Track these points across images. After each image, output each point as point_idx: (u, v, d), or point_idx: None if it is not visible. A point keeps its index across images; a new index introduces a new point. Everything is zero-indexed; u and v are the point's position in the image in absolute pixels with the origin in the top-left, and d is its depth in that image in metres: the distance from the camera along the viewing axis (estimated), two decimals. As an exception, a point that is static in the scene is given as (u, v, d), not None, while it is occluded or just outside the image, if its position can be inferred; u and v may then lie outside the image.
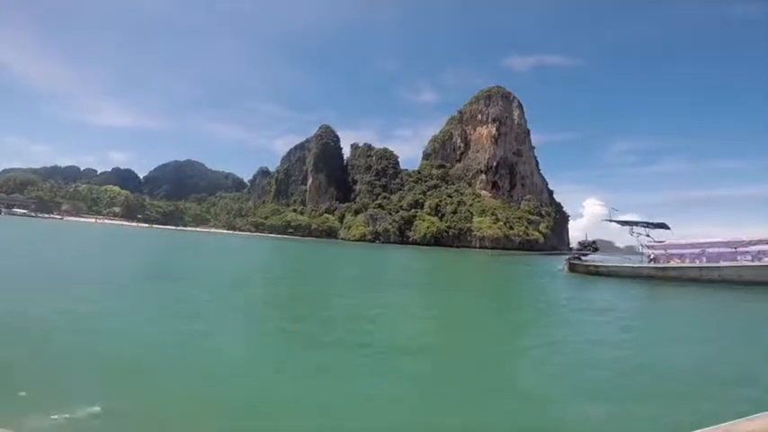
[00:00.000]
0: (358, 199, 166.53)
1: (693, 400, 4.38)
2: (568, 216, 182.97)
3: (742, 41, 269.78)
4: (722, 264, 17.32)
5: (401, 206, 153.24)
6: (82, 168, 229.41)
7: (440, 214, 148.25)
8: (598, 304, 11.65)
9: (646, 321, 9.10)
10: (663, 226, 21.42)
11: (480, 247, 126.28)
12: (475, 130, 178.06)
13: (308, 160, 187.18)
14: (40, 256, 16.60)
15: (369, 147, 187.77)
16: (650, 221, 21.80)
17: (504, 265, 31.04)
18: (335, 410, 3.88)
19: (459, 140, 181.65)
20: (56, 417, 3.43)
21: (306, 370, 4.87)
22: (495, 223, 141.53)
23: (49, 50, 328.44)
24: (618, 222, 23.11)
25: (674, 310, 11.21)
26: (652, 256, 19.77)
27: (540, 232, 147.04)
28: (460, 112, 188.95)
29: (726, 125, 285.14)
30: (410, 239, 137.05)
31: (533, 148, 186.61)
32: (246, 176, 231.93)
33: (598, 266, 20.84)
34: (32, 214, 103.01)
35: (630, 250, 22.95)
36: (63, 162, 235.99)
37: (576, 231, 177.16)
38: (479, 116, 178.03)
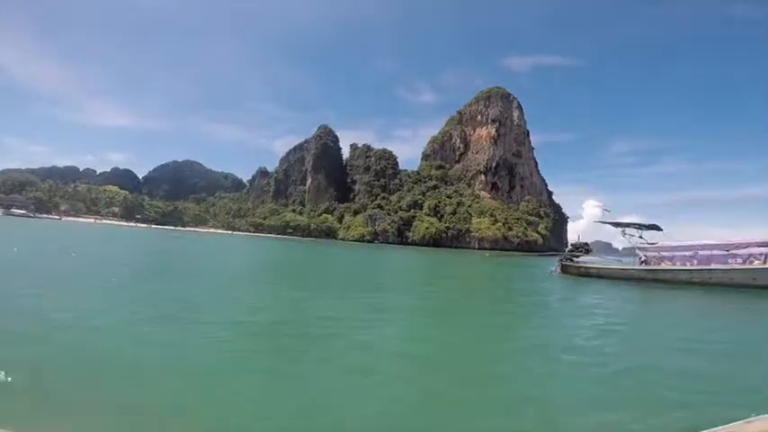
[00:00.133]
0: (357, 199, 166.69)
1: (679, 404, 4.34)
2: (568, 217, 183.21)
3: (742, 42, 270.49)
4: (713, 266, 17.20)
5: (400, 207, 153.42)
6: (81, 169, 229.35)
7: (439, 215, 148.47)
8: (585, 307, 11.67)
9: (632, 326, 9.11)
10: (655, 227, 21.36)
11: (479, 248, 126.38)
12: (474, 130, 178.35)
13: (308, 161, 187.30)
14: (38, 256, 16.66)
15: (368, 147, 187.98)
16: (642, 223, 21.73)
17: (498, 267, 31.07)
18: (323, 413, 3.89)
19: (458, 141, 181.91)
20: (57, 416, 3.46)
21: (285, 378, 4.88)
22: (494, 224, 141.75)
23: (48, 51, 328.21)
24: (610, 224, 23.14)
25: (660, 314, 11.20)
26: (643, 258, 19.63)
27: (539, 233, 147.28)
28: (460, 113, 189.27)
29: (726, 126, 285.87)
30: (409, 240, 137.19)
31: (533, 148, 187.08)
32: (246, 177, 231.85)
33: (589, 268, 20.78)
34: (31, 215, 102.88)
35: (630, 252, 22.92)
36: (62, 162, 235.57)
37: (576, 233, 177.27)
38: (479, 117, 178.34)
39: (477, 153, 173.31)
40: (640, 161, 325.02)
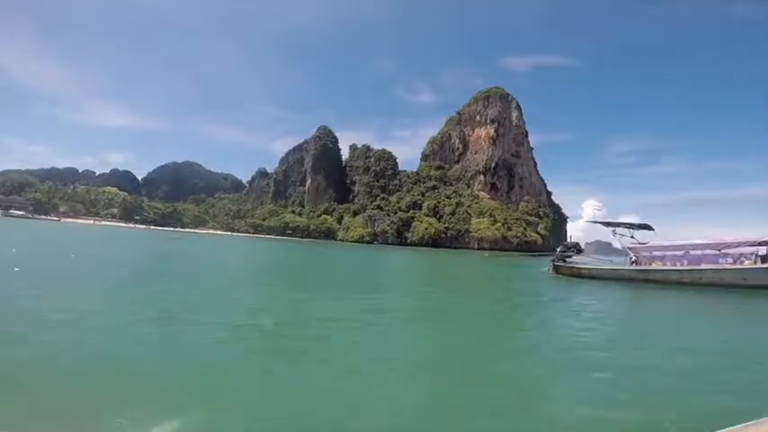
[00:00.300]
0: (356, 200, 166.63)
1: (675, 406, 4.33)
2: (567, 217, 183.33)
3: (741, 41, 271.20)
4: (704, 266, 17.04)
5: (399, 207, 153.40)
6: (80, 170, 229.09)
7: (438, 215, 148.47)
8: (575, 309, 11.67)
9: (621, 327, 9.08)
10: (646, 227, 21.28)
11: (479, 249, 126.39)
12: (473, 131, 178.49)
13: (307, 161, 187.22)
14: (35, 257, 16.65)
15: (367, 148, 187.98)
16: (633, 222, 21.64)
17: (494, 267, 31.06)
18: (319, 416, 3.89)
19: (457, 141, 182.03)
20: (53, 418, 3.44)
21: (286, 381, 4.88)
22: (493, 224, 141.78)
23: (48, 51, 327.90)
24: (602, 224, 23.11)
25: (649, 316, 11.18)
26: (634, 258, 19.46)
27: (538, 233, 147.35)
28: (459, 113, 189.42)
29: (725, 125, 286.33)
30: (408, 241, 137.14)
31: (532, 149, 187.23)
32: (245, 178, 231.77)
33: (581, 268, 20.68)
34: (30, 216, 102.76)
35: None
36: (61, 163, 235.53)
37: (575, 232, 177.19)
38: (478, 117, 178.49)
39: (476, 153, 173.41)
40: (640, 161, 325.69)
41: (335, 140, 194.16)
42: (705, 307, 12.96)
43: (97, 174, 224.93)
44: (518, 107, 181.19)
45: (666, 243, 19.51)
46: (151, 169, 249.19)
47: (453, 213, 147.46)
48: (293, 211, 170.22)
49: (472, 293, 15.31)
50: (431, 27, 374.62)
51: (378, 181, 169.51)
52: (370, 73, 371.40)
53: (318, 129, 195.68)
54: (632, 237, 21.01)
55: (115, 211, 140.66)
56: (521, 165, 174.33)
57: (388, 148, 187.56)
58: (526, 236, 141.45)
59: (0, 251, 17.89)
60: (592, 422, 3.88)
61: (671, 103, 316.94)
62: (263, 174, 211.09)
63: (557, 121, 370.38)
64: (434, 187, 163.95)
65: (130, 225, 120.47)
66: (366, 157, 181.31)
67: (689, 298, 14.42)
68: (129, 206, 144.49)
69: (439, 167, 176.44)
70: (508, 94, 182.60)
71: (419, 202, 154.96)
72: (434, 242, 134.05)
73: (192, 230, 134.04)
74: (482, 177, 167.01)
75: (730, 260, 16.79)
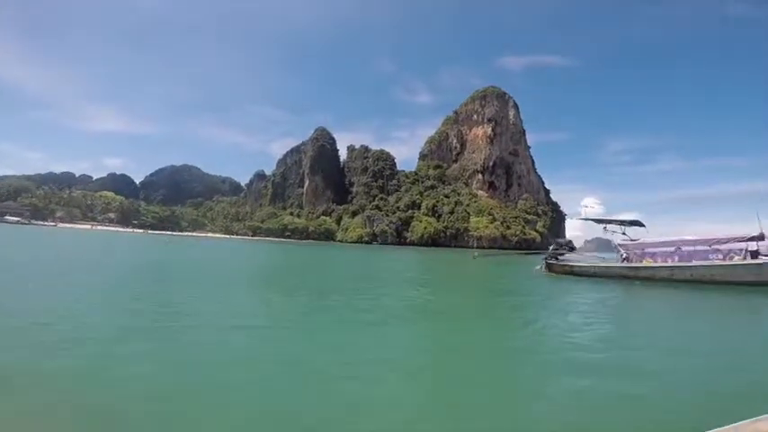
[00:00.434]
0: (355, 201, 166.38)
1: (660, 406, 4.12)
2: (565, 215, 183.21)
3: (736, 40, 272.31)
4: (694, 263, 16.79)
5: (398, 207, 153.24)
6: (77, 174, 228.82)
7: (437, 215, 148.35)
8: (564, 306, 11.43)
9: (611, 326, 8.81)
10: (637, 223, 20.98)
11: (477, 247, 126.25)
12: (471, 130, 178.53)
13: (305, 163, 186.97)
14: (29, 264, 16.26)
15: (365, 148, 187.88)
16: (624, 219, 21.33)
17: (485, 266, 30.78)
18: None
19: (455, 141, 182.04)
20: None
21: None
22: (491, 223, 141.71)
23: (43, 55, 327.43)
24: (593, 220, 22.88)
25: (639, 314, 10.91)
26: (624, 255, 19.17)
27: (537, 231, 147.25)
28: (456, 113, 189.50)
29: (720, 123, 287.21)
30: (408, 240, 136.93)
31: (529, 147, 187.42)
32: (244, 180, 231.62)
33: (573, 266, 20.41)
34: (26, 222, 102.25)
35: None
36: (58, 169, 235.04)
37: (574, 231, 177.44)
38: (475, 116, 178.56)
39: (473, 152, 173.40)
40: (637, 159, 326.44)
41: (333, 141, 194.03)
42: (695, 304, 12.71)
43: (94, 178, 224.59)
44: (515, 106, 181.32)
45: (657, 240, 19.23)
46: (149, 173, 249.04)
47: (452, 212, 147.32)
48: (292, 213, 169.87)
49: (462, 293, 14.96)
50: (429, 27, 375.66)
51: (376, 181, 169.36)
52: (369, 74, 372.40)
53: (316, 130, 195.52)
54: (624, 233, 20.79)
55: (112, 215, 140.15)
56: (518, 163, 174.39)
57: (387, 149, 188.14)
58: (525, 234, 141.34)
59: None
60: (582, 424, 3.70)
61: (667, 101, 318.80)
62: (261, 176, 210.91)
63: (554, 120, 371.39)
64: (433, 187, 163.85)
65: (128, 229, 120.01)
66: (364, 158, 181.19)
67: (679, 295, 14.11)
68: (127, 210, 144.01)
69: (437, 167, 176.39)
70: (505, 93, 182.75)
71: (418, 201, 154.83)
72: (434, 241, 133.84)
73: (190, 234, 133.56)
74: (480, 176, 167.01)
75: (720, 256, 16.57)
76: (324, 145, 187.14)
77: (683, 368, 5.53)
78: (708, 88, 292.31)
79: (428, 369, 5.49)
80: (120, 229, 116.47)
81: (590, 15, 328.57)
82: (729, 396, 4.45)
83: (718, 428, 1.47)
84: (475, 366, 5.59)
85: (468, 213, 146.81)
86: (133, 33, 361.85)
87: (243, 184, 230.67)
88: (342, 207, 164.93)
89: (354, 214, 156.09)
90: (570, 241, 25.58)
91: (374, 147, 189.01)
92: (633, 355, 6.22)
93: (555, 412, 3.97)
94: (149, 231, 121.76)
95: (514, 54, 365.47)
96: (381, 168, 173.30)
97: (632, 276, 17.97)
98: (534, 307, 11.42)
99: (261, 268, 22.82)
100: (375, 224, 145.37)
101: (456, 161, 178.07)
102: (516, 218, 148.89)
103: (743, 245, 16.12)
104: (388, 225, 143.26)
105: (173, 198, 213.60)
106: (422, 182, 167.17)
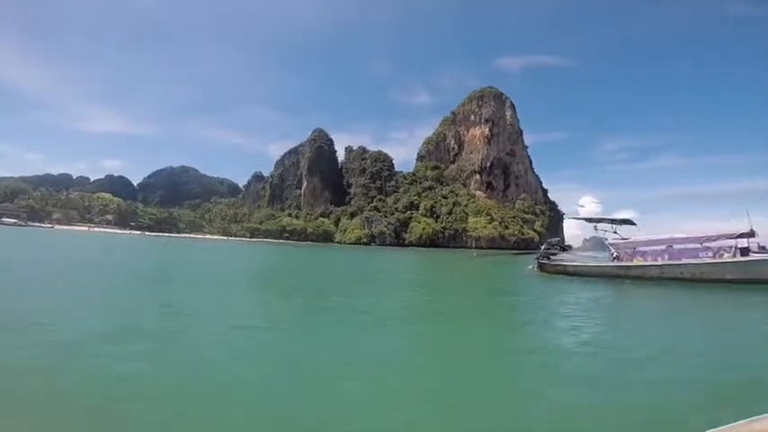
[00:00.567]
0: (353, 202, 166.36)
1: (651, 409, 4.17)
2: (563, 214, 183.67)
3: (733, 39, 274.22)
4: (684, 261, 16.69)
5: (396, 208, 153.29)
6: (75, 176, 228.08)
7: (435, 215, 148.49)
8: (556, 307, 11.51)
9: (602, 327, 8.86)
10: (628, 222, 21.03)
11: (476, 248, 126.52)
12: (468, 130, 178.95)
13: (303, 164, 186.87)
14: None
15: (363, 150, 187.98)
16: (615, 218, 21.40)
17: (481, 266, 30.90)
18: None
19: (452, 141, 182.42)
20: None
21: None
22: (490, 223, 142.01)
23: (42, 56, 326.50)
24: (584, 219, 23.00)
25: (629, 314, 10.91)
26: (615, 254, 19.13)
27: (535, 231, 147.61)
28: (453, 113, 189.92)
29: (720, 121, 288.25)
30: (406, 241, 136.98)
31: (526, 147, 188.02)
32: (242, 182, 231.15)
33: (566, 266, 20.46)
34: (22, 223, 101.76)
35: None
36: (56, 170, 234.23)
37: (572, 230, 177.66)
38: (472, 117, 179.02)
39: (471, 153, 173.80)
40: (634, 157, 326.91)
41: (331, 143, 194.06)
42: (683, 303, 12.73)
43: (92, 180, 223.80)
44: (512, 106, 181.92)
45: (647, 238, 19.16)
46: (147, 175, 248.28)
47: (450, 213, 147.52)
48: (290, 215, 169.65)
49: (457, 294, 15.06)
50: (426, 28, 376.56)
51: (374, 182, 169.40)
52: (367, 75, 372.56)
53: (313, 131, 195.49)
54: (615, 232, 20.87)
55: (110, 217, 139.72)
56: (516, 163, 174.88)
57: (385, 150, 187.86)
58: (523, 234, 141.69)
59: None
60: (578, 425, 3.73)
61: (665, 100, 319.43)
62: (258, 177, 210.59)
63: (551, 120, 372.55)
64: (431, 187, 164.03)
65: (125, 231, 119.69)
66: (362, 159, 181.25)
67: (668, 294, 14.02)
68: (124, 212, 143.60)
69: (435, 168, 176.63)
70: (502, 94, 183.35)
71: (416, 202, 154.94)
72: (432, 242, 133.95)
73: (188, 236, 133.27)
74: (478, 176, 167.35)
75: (710, 254, 16.47)
76: (321, 146, 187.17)
77: (673, 369, 5.50)
78: (707, 87, 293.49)
79: (425, 369, 5.49)
80: (118, 231, 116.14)
81: (587, 15, 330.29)
82: (722, 396, 4.43)
83: (715, 429, 1.49)
84: (470, 367, 5.62)
85: (467, 214, 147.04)
86: (132, 34, 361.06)
87: (241, 185, 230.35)
88: (340, 208, 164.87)
89: (353, 215, 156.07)
90: (561, 240, 25.87)
91: (372, 148, 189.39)
92: (623, 356, 6.24)
93: (549, 412, 3.98)
94: (147, 233, 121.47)
95: (512, 54, 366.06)
96: (379, 169, 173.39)
97: (623, 275, 17.96)
98: (527, 307, 11.52)
99: (257, 270, 22.87)
100: (373, 225, 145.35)
101: (454, 162, 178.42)
102: (514, 218, 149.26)
103: (732, 242, 16.07)
104: (386, 226, 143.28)
105: (171, 200, 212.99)
106: (420, 183, 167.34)
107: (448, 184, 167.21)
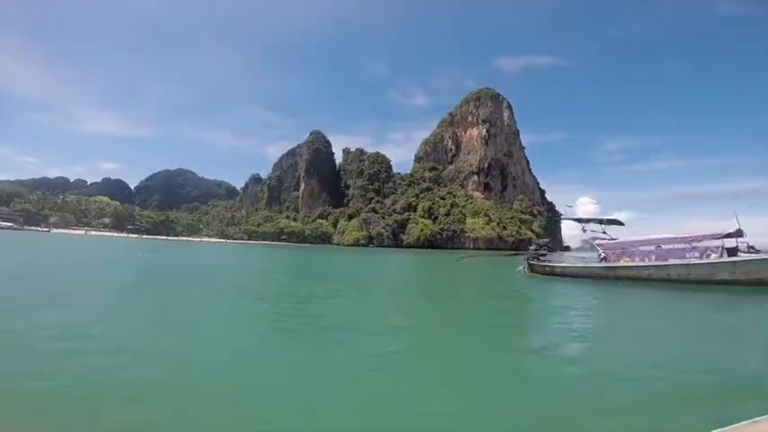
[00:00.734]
0: (351, 204, 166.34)
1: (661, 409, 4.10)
2: (561, 214, 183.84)
3: (728, 39, 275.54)
4: (670, 262, 16.49)
5: (394, 210, 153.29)
6: (72, 179, 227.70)
7: (433, 217, 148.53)
8: (545, 310, 11.37)
9: (591, 332, 8.69)
10: (616, 222, 20.98)
11: (474, 248, 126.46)
12: (465, 132, 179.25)
13: (300, 166, 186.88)
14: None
15: (361, 151, 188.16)
16: (603, 218, 21.33)
17: (470, 268, 30.75)
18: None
19: (450, 143, 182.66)
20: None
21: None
22: (487, 224, 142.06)
23: (40, 57, 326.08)
24: (572, 220, 22.98)
25: (616, 317, 10.70)
26: (603, 255, 18.98)
27: (532, 231, 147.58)
28: (451, 115, 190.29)
29: (719, 121, 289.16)
30: (404, 243, 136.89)
31: (524, 148, 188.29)
32: (239, 184, 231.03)
33: (554, 267, 20.41)
34: (18, 227, 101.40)
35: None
36: (53, 173, 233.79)
37: (571, 230, 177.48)
38: (469, 118, 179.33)
39: (468, 154, 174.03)
40: (633, 158, 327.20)
41: (328, 144, 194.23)
42: (671, 305, 12.50)
43: (89, 183, 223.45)
44: (509, 107, 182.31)
45: (635, 238, 19.02)
46: (144, 177, 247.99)
47: (448, 214, 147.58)
48: (288, 217, 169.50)
49: (443, 297, 14.90)
50: (424, 30, 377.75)
51: (372, 184, 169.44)
52: (364, 76, 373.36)
53: (311, 133, 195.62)
54: (604, 232, 20.78)
55: (107, 220, 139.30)
56: (513, 164, 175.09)
57: (383, 152, 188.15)
58: (521, 234, 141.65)
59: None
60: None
61: (663, 100, 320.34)
62: (256, 179, 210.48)
63: (548, 120, 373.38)
64: (428, 189, 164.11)
65: (122, 234, 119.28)
66: (360, 161, 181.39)
67: (655, 295, 13.77)
68: (121, 215, 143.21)
69: (432, 169, 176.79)
70: (499, 95, 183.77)
71: (414, 203, 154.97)
72: (430, 243, 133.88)
73: (185, 239, 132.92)
74: (475, 177, 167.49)
75: (697, 254, 16.24)
76: (319, 148, 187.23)
77: (662, 374, 5.35)
78: (706, 87, 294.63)
79: (388, 375, 5.29)
80: (115, 234, 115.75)
81: (585, 15, 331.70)
82: (713, 399, 4.35)
83: (719, 429, 1.45)
84: (453, 373, 5.48)
85: (464, 215, 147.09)
86: (131, 35, 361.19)
87: (239, 187, 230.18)
88: (338, 210, 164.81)
89: (350, 217, 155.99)
90: (549, 242, 25.77)
91: (370, 149, 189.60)
92: (611, 361, 6.09)
93: (536, 420, 3.88)
94: (144, 236, 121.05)
95: (510, 55, 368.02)
96: (377, 171, 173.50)
97: (611, 276, 17.80)
98: (517, 310, 11.41)
99: (232, 271, 22.57)
100: (371, 227, 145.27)
101: (451, 163, 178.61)
102: (512, 218, 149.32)
103: (719, 242, 15.87)
104: (384, 228, 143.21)
105: (168, 202, 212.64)
106: (417, 184, 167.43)
107: (446, 186, 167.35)
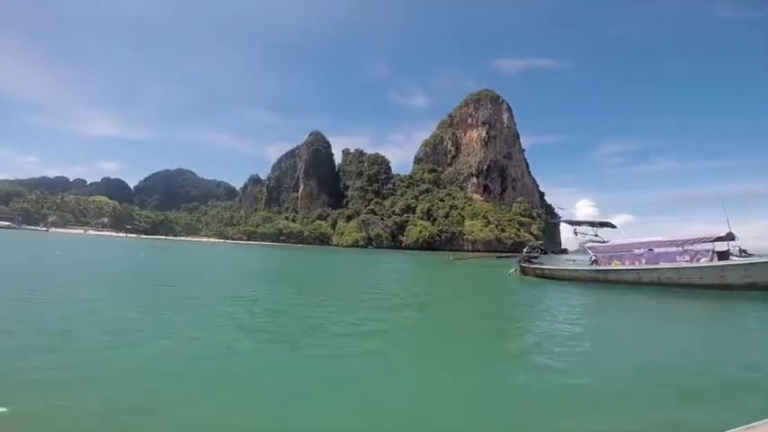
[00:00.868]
0: (350, 205, 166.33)
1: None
2: (560, 217, 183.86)
3: (728, 40, 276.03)
4: (660, 265, 16.22)
5: (393, 211, 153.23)
6: (71, 179, 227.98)
7: (432, 218, 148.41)
8: (535, 315, 11.24)
9: (580, 339, 8.47)
10: (608, 225, 20.83)
11: (473, 250, 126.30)
12: (465, 133, 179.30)
13: (300, 167, 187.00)
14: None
15: (360, 152, 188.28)
16: (595, 221, 21.18)
17: (461, 270, 30.64)
18: None
19: (449, 144, 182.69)
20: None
21: None
22: (486, 226, 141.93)
23: (40, 58, 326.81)
24: (565, 222, 22.93)
25: (606, 323, 10.56)
26: (593, 258, 18.77)
27: (531, 234, 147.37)
28: (451, 116, 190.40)
29: (719, 124, 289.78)
30: (403, 244, 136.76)
31: (523, 150, 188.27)
32: (239, 184, 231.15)
33: (544, 269, 20.31)
34: (16, 226, 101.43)
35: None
36: (52, 173, 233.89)
37: (569, 233, 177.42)
38: (469, 119, 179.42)
39: (468, 156, 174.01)
40: (631, 160, 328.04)
41: (328, 145, 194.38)
42: (662, 310, 12.32)
43: (88, 183, 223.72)
44: (509, 109, 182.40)
45: (627, 241, 18.75)
46: (144, 177, 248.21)
47: (447, 216, 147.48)
48: (287, 218, 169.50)
49: (428, 299, 14.77)
50: (425, 30, 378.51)
51: (371, 185, 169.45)
52: (364, 77, 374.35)
53: (311, 134, 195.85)
54: (596, 235, 20.65)
55: (105, 220, 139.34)
56: (513, 166, 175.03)
57: (382, 153, 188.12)
58: (519, 237, 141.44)
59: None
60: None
61: (660, 102, 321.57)
62: (255, 180, 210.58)
63: (549, 122, 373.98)
64: (428, 190, 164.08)
65: (121, 234, 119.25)
66: (359, 162, 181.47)
67: (645, 300, 13.50)
68: (120, 215, 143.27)
69: (432, 170, 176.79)
70: (498, 96, 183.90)
71: (413, 205, 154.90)
72: (429, 245, 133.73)
73: (184, 239, 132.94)
74: (475, 179, 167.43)
75: (687, 257, 15.96)
76: (319, 149, 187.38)
77: (650, 379, 5.21)
78: (706, 89, 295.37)
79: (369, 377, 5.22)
80: (114, 234, 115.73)
81: (585, 17, 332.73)
82: (706, 404, 4.30)
83: (735, 429, 1.45)
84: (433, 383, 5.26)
85: (463, 217, 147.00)
86: (130, 36, 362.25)
87: (238, 188, 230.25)
88: (337, 211, 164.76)
89: (349, 218, 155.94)
90: (542, 244, 25.71)
91: (369, 150, 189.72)
92: (595, 365, 5.95)
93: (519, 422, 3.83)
94: (142, 236, 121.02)
95: (510, 57, 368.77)
96: (376, 172, 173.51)
97: (601, 279, 17.64)
98: (504, 314, 11.30)
99: (248, 275, 22.55)
100: (370, 228, 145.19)
101: (451, 165, 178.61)
102: (511, 221, 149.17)
103: (709, 245, 15.63)
104: (383, 229, 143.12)
105: (168, 203, 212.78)
106: (417, 185, 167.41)
107: (445, 187, 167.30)
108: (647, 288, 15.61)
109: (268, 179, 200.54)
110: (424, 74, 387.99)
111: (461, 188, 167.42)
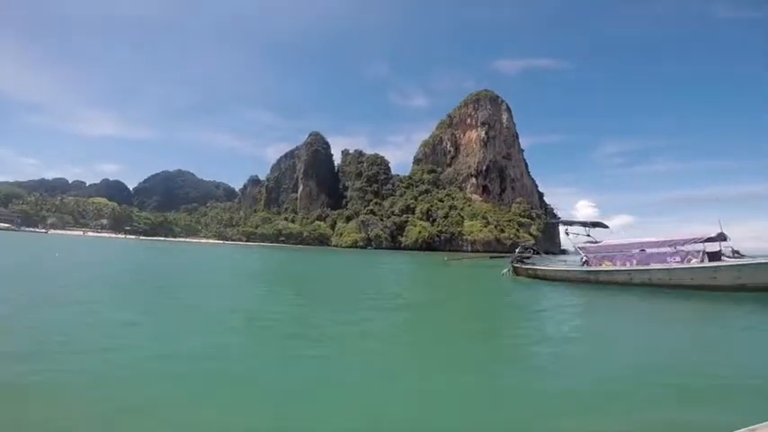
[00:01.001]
0: (349, 205, 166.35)
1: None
2: (559, 218, 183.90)
3: (727, 40, 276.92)
4: (651, 266, 16.12)
5: (393, 212, 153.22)
6: (70, 180, 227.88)
7: (431, 219, 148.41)
8: (525, 317, 11.29)
9: (569, 341, 8.51)
10: (600, 225, 20.92)
11: (472, 251, 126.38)
12: (464, 134, 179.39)
13: (299, 168, 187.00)
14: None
15: (360, 153, 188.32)
16: (587, 221, 21.26)
17: (455, 270, 30.72)
18: None
19: (449, 145, 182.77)
20: None
21: None
22: (485, 227, 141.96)
23: (39, 58, 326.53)
24: (558, 222, 23.10)
25: (596, 325, 10.55)
26: (585, 258, 18.71)
27: (531, 234, 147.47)
28: (450, 117, 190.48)
29: (719, 124, 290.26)
30: (402, 245, 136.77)
31: (522, 151, 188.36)
32: (238, 185, 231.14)
33: (536, 270, 20.31)
34: (15, 228, 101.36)
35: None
36: (51, 174, 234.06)
37: (573, 235, 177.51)
38: (468, 120, 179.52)
39: (467, 156, 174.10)
40: (631, 161, 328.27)
41: (327, 146, 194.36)
42: (652, 310, 12.35)
43: (88, 184, 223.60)
44: (508, 109, 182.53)
45: (618, 242, 18.72)
46: (143, 179, 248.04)
47: (446, 216, 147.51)
48: (286, 218, 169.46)
49: (419, 299, 14.83)
50: (424, 30, 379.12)
51: (370, 186, 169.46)
52: (364, 78, 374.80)
53: (310, 135, 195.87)
54: (588, 235, 20.70)
55: (105, 221, 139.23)
56: (512, 167, 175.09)
57: (381, 153, 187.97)
58: (519, 237, 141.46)
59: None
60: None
61: (660, 103, 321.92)
62: (254, 181, 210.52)
63: (548, 122, 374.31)
64: (427, 191, 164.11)
65: (120, 235, 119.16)
66: (359, 162, 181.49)
67: (635, 301, 13.51)
68: (119, 216, 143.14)
69: (431, 171, 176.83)
70: (498, 97, 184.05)
71: (412, 206, 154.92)
72: (428, 246, 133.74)
73: (183, 240, 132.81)
74: (474, 180, 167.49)
75: (678, 258, 15.85)
76: (318, 150, 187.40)
77: (643, 380, 5.25)
78: (706, 89, 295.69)
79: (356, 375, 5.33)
80: (113, 236, 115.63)
81: (585, 17, 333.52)
82: (702, 406, 4.30)
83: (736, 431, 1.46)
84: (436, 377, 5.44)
85: (463, 217, 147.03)
86: (130, 36, 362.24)
87: (237, 189, 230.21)
88: (336, 212, 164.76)
89: (349, 219, 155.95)
90: (535, 244, 25.87)
91: (369, 151, 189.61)
92: (584, 366, 6.03)
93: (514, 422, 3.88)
94: (142, 237, 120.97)
95: (510, 57, 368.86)
96: (376, 173, 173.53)
97: (592, 280, 17.61)
98: (495, 314, 11.38)
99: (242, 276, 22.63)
100: (370, 229, 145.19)
101: (450, 165, 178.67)
102: (510, 221, 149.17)
103: (700, 246, 15.55)
104: (382, 229, 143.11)
105: (167, 204, 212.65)
106: (416, 186, 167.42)
107: (444, 188, 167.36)
108: (638, 289, 15.60)
109: (267, 180, 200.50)
110: (423, 74, 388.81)
111: (461, 189, 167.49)
